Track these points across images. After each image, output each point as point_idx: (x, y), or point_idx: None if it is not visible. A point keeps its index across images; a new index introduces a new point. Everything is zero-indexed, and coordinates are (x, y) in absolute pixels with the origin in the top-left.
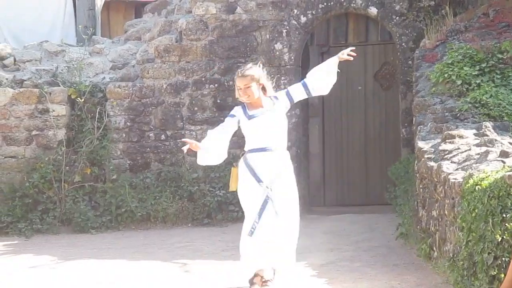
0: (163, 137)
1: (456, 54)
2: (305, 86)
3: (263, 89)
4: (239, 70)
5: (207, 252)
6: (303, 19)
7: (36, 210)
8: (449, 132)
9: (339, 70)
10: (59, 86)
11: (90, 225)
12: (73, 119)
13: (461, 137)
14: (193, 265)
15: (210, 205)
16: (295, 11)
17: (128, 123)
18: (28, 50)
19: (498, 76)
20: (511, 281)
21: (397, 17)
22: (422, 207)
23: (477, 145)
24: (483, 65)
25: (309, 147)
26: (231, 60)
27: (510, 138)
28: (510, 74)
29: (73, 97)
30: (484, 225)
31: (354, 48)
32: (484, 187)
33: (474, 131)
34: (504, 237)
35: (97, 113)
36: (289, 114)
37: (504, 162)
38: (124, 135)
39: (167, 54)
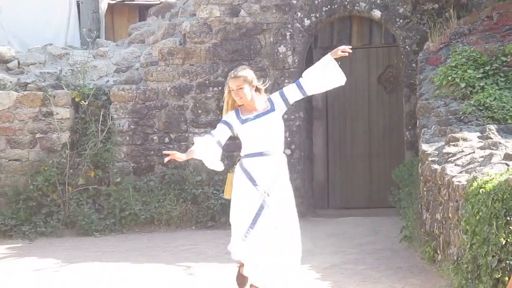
0: (167, 140)
1: (460, 57)
2: (299, 86)
3: (257, 91)
4: (231, 71)
5: (211, 255)
6: (307, 22)
7: (40, 213)
8: (453, 135)
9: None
10: (63, 89)
11: (94, 228)
12: (77, 122)
13: (465, 140)
14: (197, 268)
15: (214, 208)
16: (299, 14)
17: (132, 126)
18: (32, 53)
19: (502, 79)
20: None
21: (401, 20)
22: (426, 210)
23: (481, 148)
24: (487, 68)
25: (313, 149)
26: (235, 63)
27: None
28: None
29: (77, 100)
30: (488, 228)
31: (349, 46)
32: (488, 190)
33: (478, 134)
34: (508, 240)
35: (101, 116)
36: (293, 116)
37: (508, 165)
38: (128, 138)
39: (171, 57)
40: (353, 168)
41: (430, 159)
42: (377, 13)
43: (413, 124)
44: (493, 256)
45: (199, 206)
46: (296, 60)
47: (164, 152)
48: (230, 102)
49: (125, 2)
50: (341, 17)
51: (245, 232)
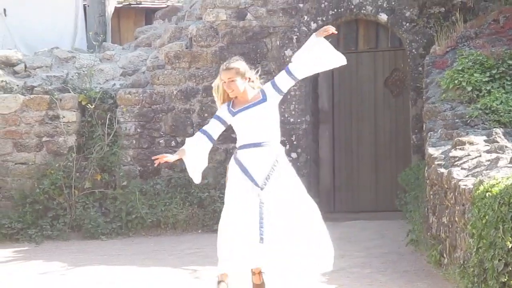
0: (173, 143)
1: (467, 60)
2: (289, 72)
3: (250, 82)
4: (224, 63)
5: (217, 259)
6: (313, 25)
7: (47, 216)
8: (459, 138)
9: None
10: (70, 92)
11: (100, 231)
12: (83, 125)
13: (471, 143)
14: (203, 271)
15: (220, 211)
16: (305, 17)
17: (138, 130)
18: (39, 56)
19: (509, 83)
20: None
21: (407, 24)
22: (433, 213)
23: (488, 151)
24: (494, 71)
25: (319, 153)
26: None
27: None
28: None
29: (83, 103)
30: (494, 231)
31: (333, 28)
32: (495, 193)
33: (485, 137)
34: None
35: (107, 120)
36: (299, 120)
37: None
38: (134, 142)
39: (177, 61)
40: (359, 172)
41: (436, 162)
42: (383, 17)
43: (419, 127)
44: (499, 260)
45: (206, 209)
46: None
47: (153, 157)
48: (224, 93)
49: (132, 5)
50: (348, 20)
51: (258, 236)
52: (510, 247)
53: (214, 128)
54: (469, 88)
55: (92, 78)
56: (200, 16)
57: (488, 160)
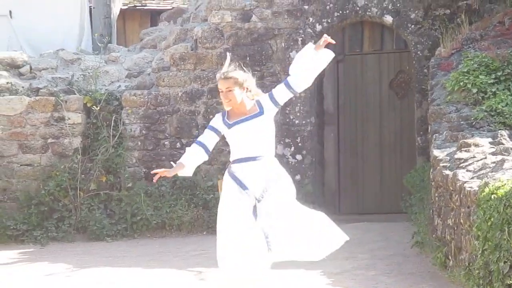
0: (178, 145)
1: (472, 62)
2: (288, 85)
3: (248, 92)
4: (221, 71)
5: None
6: (318, 27)
7: (52, 218)
8: (465, 140)
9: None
10: (75, 94)
11: (106, 233)
12: (88, 127)
13: (476, 145)
14: (208, 273)
15: None
16: (311, 19)
17: (144, 131)
18: (44, 58)
19: None
20: None
21: (413, 26)
22: (438, 215)
23: (493, 153)
24: (499, 73)
25: (324, 155)
26: (246, 68)
27: None
28: None
29: (88, 105)
30: (500, 234)
31: (329, 38)
32: (500, 195)
33: (490, 139)
34: None
35: (112, 121)
36: (304, 122)
37: None
38: (139, 143)
39: (182, 62)
40: (364, 174)
41: (441, 164)
42: (388, 19)
43: (424, 129)
44: (505, 262)
45: (211, 211)
46: None
47: (152, 172)
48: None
49: (137, 7)
50: (353, 22)
51: (266, 245)
52: None
53: (210, 139)
54: (474, 90)
55: (98, 80)
56: (205, 18)
57: (494, 162)
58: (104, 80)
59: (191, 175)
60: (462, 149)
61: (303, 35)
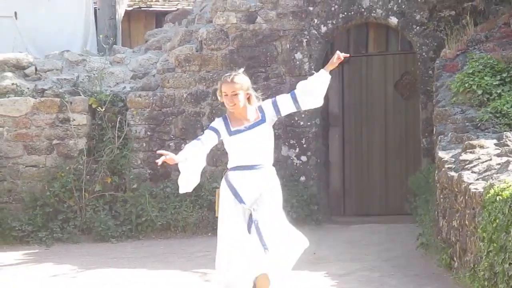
0: (183, 146)
1: (477, 64)
2: (294, 99)
3: (248, 99)
4: (226, 75)
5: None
6: (323, 28)
7: (57, 219)
8: (470, 142)
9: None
10: (80, 95)
11: (111, 234)
12: (93, 128)
13: (481, 147)
14: (213, 274)
15: None
16: (316, 20)
17: (149, 133)
18: (49, 59)
19: None
20: None
21: (418, 27)
22: (443, 217)
23: (498, 155)
24: (504, 75)
25: (329, 156)
26: (251, 70)
27: None
28: None
29: (93, 106)
30: (505, 235)
31: (344, 54)
32: (505, 197)
33: (495, 141)
34: None
35: (117, 123)
36: (309, 123)
37: None
38: (144, 145)
39: (187, 64)
40: (369, 175)
41: (446, 166)
42: (393, 20)
43: (429, 131)
44: (510, 264)
45: (215, 212)
46: (312, 67)
47: (158, 152)
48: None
49: (142, 8)
50: (358, 24)
51: (262, 248)
52: None
53: (210, 140)
54: (480, 92)
55: (103, 81)
56: (210, 19)
57: (499, 164)
58: (109, 81)
59: (194, 178)
60: (467, 150)
61: (308, 37)
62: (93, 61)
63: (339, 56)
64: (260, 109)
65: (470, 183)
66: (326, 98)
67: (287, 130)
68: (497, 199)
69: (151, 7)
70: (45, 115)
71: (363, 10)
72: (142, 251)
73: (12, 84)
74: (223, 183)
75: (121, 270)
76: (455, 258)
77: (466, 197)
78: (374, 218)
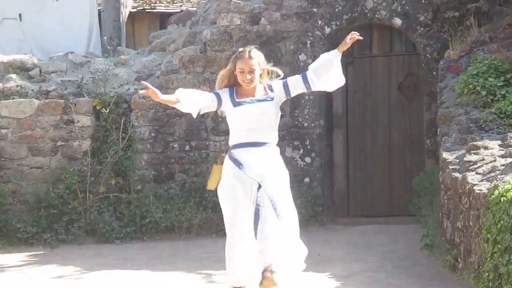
0: (187, 148)
1: (481, 65)
2: (305, 80)
3: (261, 75)
4: (241, 51)
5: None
6: (327, 30)
7: (61, 220)
8: (474, 143)
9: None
10: (84, 97)
11: (115, 235)
12: (98, 129)
13: (486, 148)
14: (217, 276)
15: None
16: (320, 22)
17: (153, 134)
18: (54, 61)
19: None
20: None
21: (422, 28)
22: (447, 218)
23: (502, 156)
24: (508, 75)
25: (333, 157)
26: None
27: None
28: None
29: (98, 108)
30: (509, 236)
31: (357, 34)
32: (510, 198)
33: (499, 142)
34: None
35: (121, 124)
36: (313, 124)
37: None
38: (148, 146)
39: (191, 65)
40: (373, 176)
41: (451, 167)
42: (397, 21)
43: (433, 132)
44: None
45: (220, 214)
46: None
47: (142, 82)
48: (227, 81)
49: (146, 10)
50: (362, 25)
51: (275, 216)
52: None
53: (207, 98)
54: (484, 93)
55: (107, 83)
56: (214, 21)
57: (503, 165)
58: (113, 83)
59: (184, 109)
60: (471, 151)
61: (312, 38)
62: (97, 62)
63: (353, 36)
64: (270, 87)
65: (475, 184)
66: (330, 99)
67: (291, 131)
68: (502, 200)
69: (155, 8)
70: (49, 116)
71: (367, 11)
72: (146, 253)
73: (17, 85)
74: (226, 159)
75: (125, 272)
76: (459, 259)
77: (471, 198)
78: (378, 219)
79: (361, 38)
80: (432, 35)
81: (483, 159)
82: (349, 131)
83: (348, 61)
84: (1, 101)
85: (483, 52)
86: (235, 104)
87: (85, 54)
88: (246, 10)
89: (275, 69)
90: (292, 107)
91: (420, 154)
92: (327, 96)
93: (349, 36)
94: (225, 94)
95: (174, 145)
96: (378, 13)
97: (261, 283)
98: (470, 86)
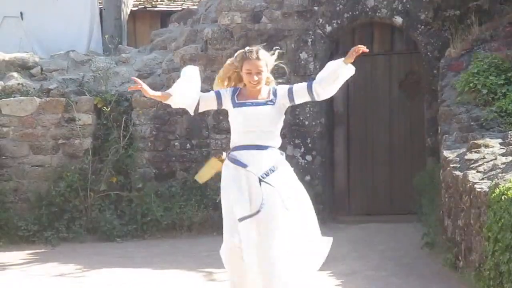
0: (188, 146)
1: (482, 63)
2: (310, 89)
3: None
4: (248, 51)
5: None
6: (328, 28)
7: (62, 218)
8: (475, 141)
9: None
10: (86, 95)
11: (116, 233)
12: (99, 128)
13: (486, 146)
14: (218, 274)
15: None
16: (320, 20)
17: (154, 132)
18: (55, 59)
19: None
20: None
21: (422, 26)
22: (448, 216)
23: (503, 154)
24: (509, 74)
25: (334, 155)
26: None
27: None
28: None
29: (99, 106)
30: (510, 234)
31: (363, 47)
32: (510, 196)
33: (500, 140)
34: None
35: (123, 122)
36: (314, 123)
37: None
38: (149, 144)
39: (192, 63)
40: (374, 174)
41: (451, 165)
42: (398, 20)
43: (434, 130)
44: None
45: (221, 212)
46: (317, 67)
47: (133, 77)
48: (231, 81)
49: (147, 8)
50: (363, 23)
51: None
52: None
53: (207, 96)
54: (485, 91)
55: (108, 81)
56: (216, 19)
57: (504, 163)
58: (114, 81)
59: (175, 106)
60: (472, 150)
61: (313, 36)
62: (99, 61)
63: (357, 49)
64: (274, 92)
65: (475, 183)
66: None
67: (292, 129)
68: (503, 198)
69: (156, 7)
70: (50, 115)
71: (367, 9)
72: (147, 251)
73: (18, 84)
74: (226, 161)
75: (126, 270)
76: (460, 258)
77: (471, 197)
78: (379, 218)
79: (366, 50)
80: (433, 34)
81: (484, 158)
82: (350, 129)
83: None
84: (3, 99)
85: (484, 51)
86: (235, 105)
87: (86, 53)
88: (247, 9)
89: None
90: (293, 105)
91: (421, 152)
92: None
93: (353, 48)
94: (227, 93)
95: (175, 143)
96: (379, 11)
97: None
98: (471, 84)
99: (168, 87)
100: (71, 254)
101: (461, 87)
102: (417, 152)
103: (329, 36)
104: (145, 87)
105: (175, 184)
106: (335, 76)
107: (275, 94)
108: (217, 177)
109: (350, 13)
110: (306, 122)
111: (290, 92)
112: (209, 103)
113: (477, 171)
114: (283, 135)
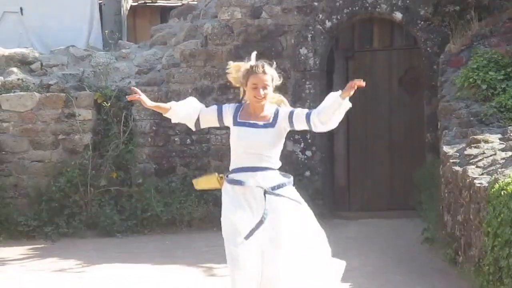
0: (188, 141)
1: (481, 58)
2: (308, 120)
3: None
4: (255, 65)
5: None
6: (328, 24)
7: (62, 214)
8: (474, 136)
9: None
10: (86, 90)
11: (116, 229)
12: (99, 123)
13: (486, 141)
14: (218, 269)
15: None
16: (320, 16)
17: (154, 128)
18: (55, 55)
19: None
20: None
21: (422, 22)
22: (447, 212)
23: (503, 149)
24: (509, 69)
25: (334, 151)
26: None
27: None
28: None
29: (99, 101)
30: (510, 230)
31: (360, 81)
32: (510, 192)
33: (500, 135)
34: None
35: (123, 118)
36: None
37: None
38: (149, 140)
39: (192, 59)
40: (374, 170)
41: (451, 161)
42: (398, 15)
43: (434, 126)
44: None
45: (221, 208)
46: (317, 62)
47: (132, 87)
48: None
49: (147, 4)
50: (362, 19)
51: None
52: None
53: (208, 110)
54: (484, 86)
55: (108, 76)
56: (216, 15)
57: (503, 158)
58: (114, 77)
59: (174, 120)
60: (472, 145)
61: (312, 32)
62: (99, 56)
63: (353, 83)
64: (276, 113)
65: (475, 178)
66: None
67: None
68: (502, 193)
69: (156, 2)
70: (50, 110)
71: (367, 5)
72: (147, 246)
73: (18, 79)
74: (225, 185)
75: (126, 265)
76: (459, 253)
77: (471, 192)
78: (378, 213)
79: (362, 84)
80: (433, 29)
81: (483, 153)
82: (350, 124)
83: (348, 55)
84: (2, 95)
85: (484, 46)
86: (235, 123)
87: (86, 48)
88: (247, 4)
89: (283, 99)
90: (293, 100)
91: (421, 147)
92: (328, 90)
93: (349, 84)
94: (229, 109)
95: (175, 139)
96: (378, 7)
97: None
98: (471, 80)
99: (168, 82)
100: (71, 250)
101: (460, 82)
102: (417, 148)
103: (329, 31)
104: (143, 97)
105: (175, 180)
106: (332, 109)
107: (277, 115)
108: (216, 171)
109: (350, 8)
110: None
111: (290, 116)
112: (209, 118)
113: (477, 167)
114: None
